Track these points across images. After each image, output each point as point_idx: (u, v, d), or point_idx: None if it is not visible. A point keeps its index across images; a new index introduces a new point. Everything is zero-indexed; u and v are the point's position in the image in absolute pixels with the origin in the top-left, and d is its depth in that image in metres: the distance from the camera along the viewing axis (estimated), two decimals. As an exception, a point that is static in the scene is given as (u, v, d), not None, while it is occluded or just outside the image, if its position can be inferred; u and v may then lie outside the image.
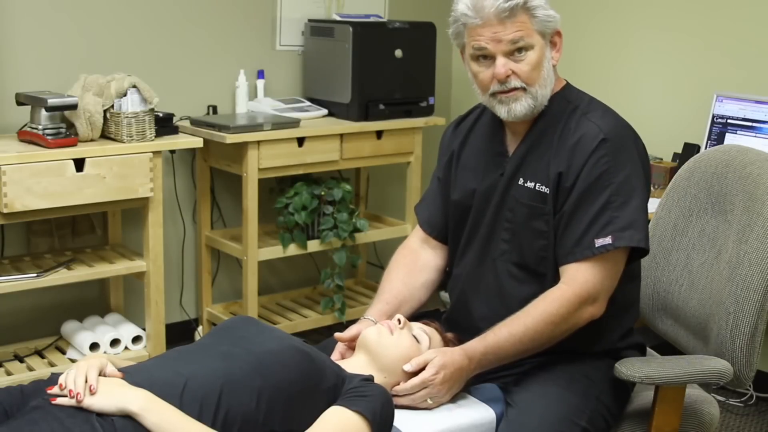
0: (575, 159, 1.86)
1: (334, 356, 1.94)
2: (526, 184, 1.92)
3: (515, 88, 1.87)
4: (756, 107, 3.13)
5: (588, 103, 1.93)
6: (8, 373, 3.03)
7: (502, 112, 1.91)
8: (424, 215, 2.18)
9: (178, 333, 3.54)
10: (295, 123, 3.42)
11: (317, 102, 3.68)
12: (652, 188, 3.19)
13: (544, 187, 1.89)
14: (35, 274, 2.95)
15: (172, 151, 3.48)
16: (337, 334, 1.96)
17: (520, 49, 1.85)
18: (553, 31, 1.89)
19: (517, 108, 1.89)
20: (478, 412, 1.86)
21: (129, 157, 2.96)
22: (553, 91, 1.95)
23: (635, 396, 2.04)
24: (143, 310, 3.21)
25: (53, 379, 1.57)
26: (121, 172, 2.94)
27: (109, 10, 3.31)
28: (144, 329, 3.23)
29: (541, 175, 1.90)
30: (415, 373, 1.81)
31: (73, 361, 3.10)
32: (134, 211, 3.24)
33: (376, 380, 1.77)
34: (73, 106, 2.91)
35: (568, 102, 1.93)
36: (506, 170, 1.96)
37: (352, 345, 1.94)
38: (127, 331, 3.22)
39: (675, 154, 3.39)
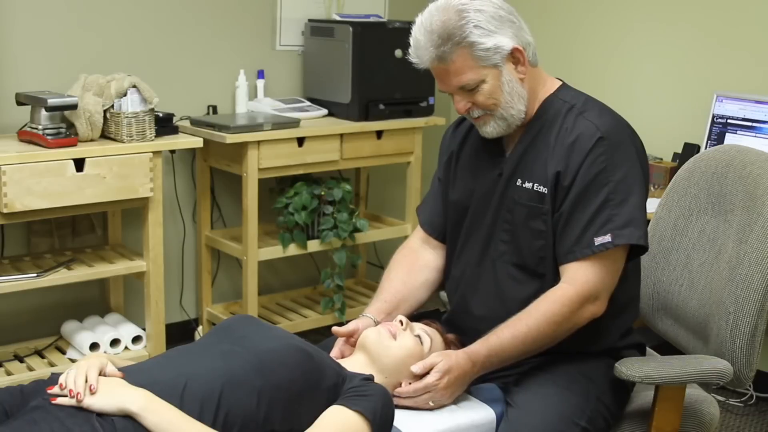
0: (573, 158, 1.86)
1: (334, 353, 1.94)
2: (524, 185, 1.92)
3: (480, 116, 1.91)
4: (756, 107, 3.13)
5: (584, 102, 1.93)
6: (8, 373, 3.03)
7: (480, 131, 1.95)
8: (425, 215, 2.18)
9: (178, 333, 3.54)
10: (295, 123, 3.42)
11: (317, 102, 3.68)
12: (652, 188, 3.21)
13: (542, 187, 1.89)
14: (35, 274, 2.95)
15: (172, 151, 3.48)
16: (334, 329, 1.96)
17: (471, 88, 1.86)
18: (503, 57, 1.85)
19: (488, 130, 1.93)
20: (479, 412, 1.86)
21: (129, 157, 2.96)
22: (548, 92, 1.95)
23: (635, 396, 2.04)
24: (143, 310, 3.21)
25: (53, 378, 1.57)
26: (121, 172, 2.94)
27: (109, 11, 3.31)
28: (144, 329, 3.23)
29: (539, 175, 1.90)
30: (419, 374, 1.81)
31: (73, 361, 3.10)
32: (134, 211, 3.24)
33: (377, 380, 1.77)
34: (73, 106, 2.91)
35: (564, 102, 1.93)
36: (504, 171, 1.96)
37: (350, 341, 1.94)
38: (127, 331, 3.22)
39: (675, 154, 3.39)
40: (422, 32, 1.84)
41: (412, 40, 1.87)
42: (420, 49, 1.86)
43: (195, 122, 3.39)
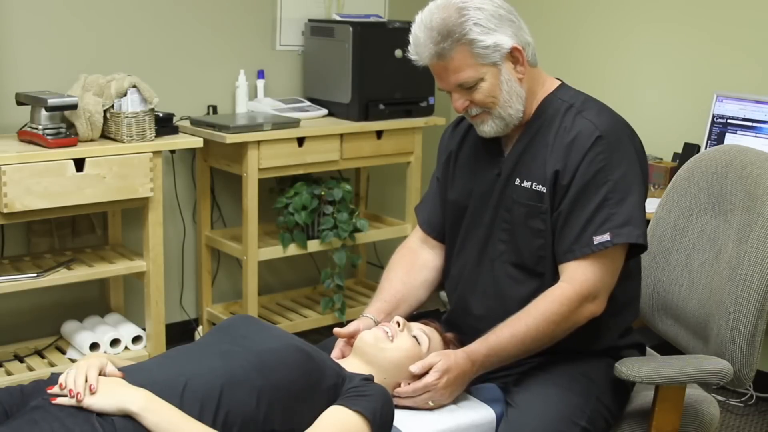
0: (571, 157, 1.86)
1: (335, 354, 1.94)
2: (522, 184, 1.92)
3: (478, 114, 1.91)
4: (756, 107, 3.13)
5: (583, 101, 1.93)
6: (8, 373, 3.03)
7: (477, 130, 1.95)
8: (423, 215, 2.18)
9: (178, 333, 3.54)
10: (295, 123, 3.42)
11: (317, 102, 3.68)
12: (652, 188, 3.21)
13: (541, 186, 1.89)
14: (35, 274, 2.95)
15: (172, 151, 3.48)
16: (336, 330, 1.96)
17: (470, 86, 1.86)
18: (502, 56, 1.85)
19: (485, 129, 1.93)
20: (479, 412, 1.86)
21: (129, 157, 2.96)
22: (547, 92, 1.95)
23: (635, 396, 2.04)
24: (143, 310, 3.22)
25: (53, 378, 1.57)
26: (121, 172, 2.94)
27: (109, 10, 3.31)
28: (144, 329, 3.23)
29: (538, 174, 1.90)
30: (418, 374, 1.81)
31: (73, 361, 3.10)
32: (134, 211, 3.24)
33: (376, 380, 1.77)
34: (73, 106, 2.91)
35: (563, 101, 1.93)
36: (502, 170, 1.96)
37: (351, 342, 1.94)
38: (127, 331, 3.22)
39: (675, 154, 3.39)
40: (422, 29, 1.84)
41: (411, 37, 1.87)
42: (419, 46, 1.86)
43: (195, 122, 3.39)
